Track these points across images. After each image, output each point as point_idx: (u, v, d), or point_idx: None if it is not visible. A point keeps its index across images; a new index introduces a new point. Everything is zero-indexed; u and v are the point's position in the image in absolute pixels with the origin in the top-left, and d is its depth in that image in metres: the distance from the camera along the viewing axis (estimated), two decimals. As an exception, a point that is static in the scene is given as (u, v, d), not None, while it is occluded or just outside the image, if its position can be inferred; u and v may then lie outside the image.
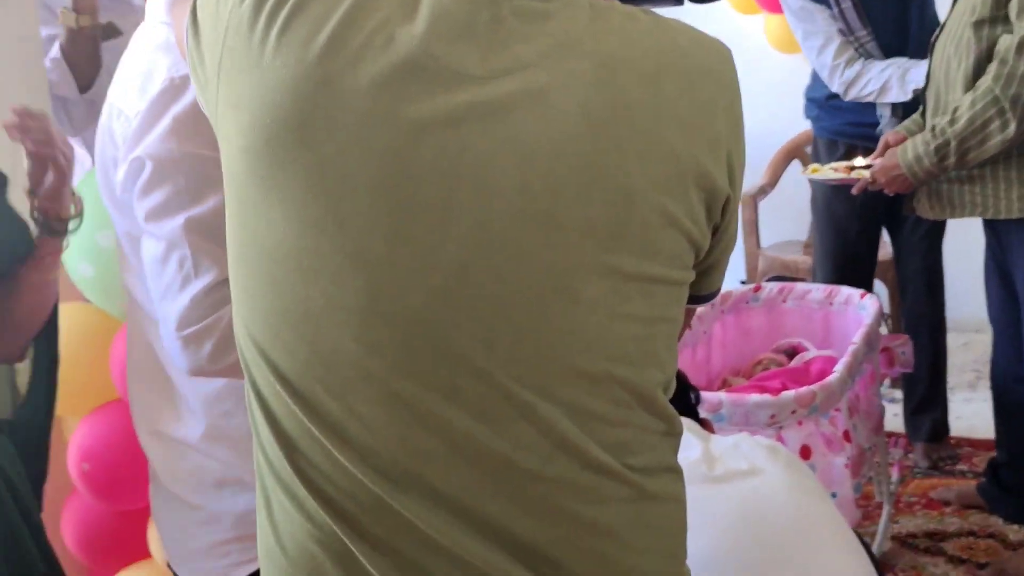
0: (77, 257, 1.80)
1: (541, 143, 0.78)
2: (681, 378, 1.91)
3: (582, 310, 0.80)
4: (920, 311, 3.00)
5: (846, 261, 2.98)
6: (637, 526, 0.85)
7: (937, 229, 2.92)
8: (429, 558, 0.81)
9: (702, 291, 0.96)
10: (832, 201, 2.93)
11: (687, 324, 1.02)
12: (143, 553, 1.90)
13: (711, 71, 0.86)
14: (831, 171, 2.65)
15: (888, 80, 2.77)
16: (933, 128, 2.27)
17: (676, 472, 0.92)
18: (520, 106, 0.78)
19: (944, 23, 2.40)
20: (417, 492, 0.80)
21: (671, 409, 0.89)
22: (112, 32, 2.23)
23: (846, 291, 2.65)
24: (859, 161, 2.60)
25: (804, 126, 3.66)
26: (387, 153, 0.78)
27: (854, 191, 2.54)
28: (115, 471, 1.79)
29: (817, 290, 2.71)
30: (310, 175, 0.79)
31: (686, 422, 1.73)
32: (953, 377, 3.20)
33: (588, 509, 0.83)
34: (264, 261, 0.83)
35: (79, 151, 2.02)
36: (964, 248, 3.05)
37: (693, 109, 0.83)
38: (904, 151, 2.33)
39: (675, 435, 0.91)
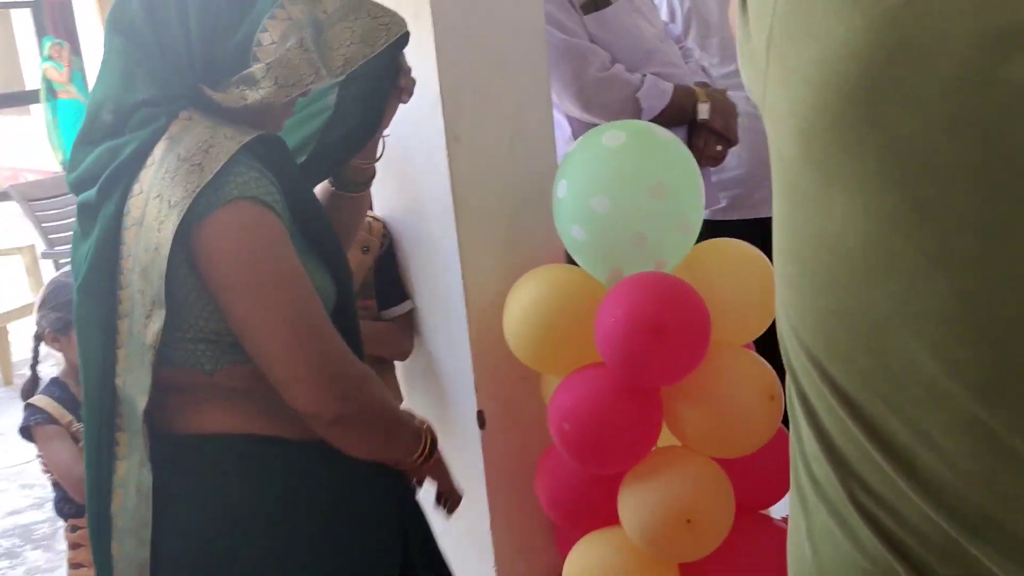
0: (569, 220, 1.82)
1: None
2: None
3: None
4: None
5: None
6: None
7: None
8: None
9: None
10: None
11: None
12: (612, 519, 1.91)
13: None
14: None
15: None
16: None
17: None
18: None
19: None
20: (1000, 541, 0.67)
21: None
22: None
23: None
24: None
25: None
26: (984, 130, 0.62)
27: None
28: (594, 433, 1.80)
29: None
30: (882, 159, 0.66)
31: None
32: None
33: None
34: (821, 256, 0.72)
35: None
36: None
37: None
38: None
39: None
